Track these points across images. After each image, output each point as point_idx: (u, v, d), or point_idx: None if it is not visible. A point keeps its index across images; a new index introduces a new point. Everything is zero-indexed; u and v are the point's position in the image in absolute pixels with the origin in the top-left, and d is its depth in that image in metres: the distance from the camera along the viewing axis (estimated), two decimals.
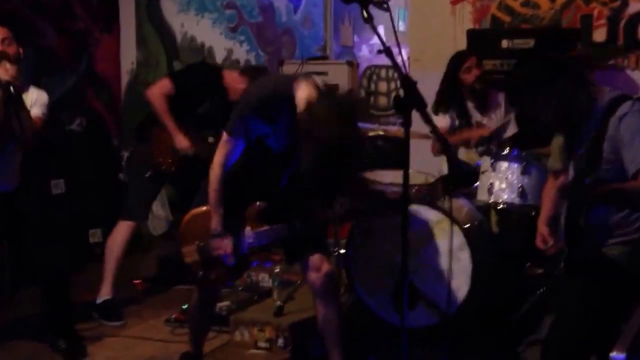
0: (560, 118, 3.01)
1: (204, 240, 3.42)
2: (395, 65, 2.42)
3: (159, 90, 4.54)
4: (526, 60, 3.34)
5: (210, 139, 4.56)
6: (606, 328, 2.86)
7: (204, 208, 3.46)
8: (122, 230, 4.71)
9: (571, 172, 3.07)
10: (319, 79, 3.29)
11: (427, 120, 2.49)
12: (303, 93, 3.12)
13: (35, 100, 4.00)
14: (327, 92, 3.20)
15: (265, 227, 3.39)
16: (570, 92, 2.94)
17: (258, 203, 3.41)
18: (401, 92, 2.38)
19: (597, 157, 2.86)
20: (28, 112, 3.86)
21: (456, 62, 4.74)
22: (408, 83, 2.35)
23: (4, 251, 4.58)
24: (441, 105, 4.74)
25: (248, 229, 3.39)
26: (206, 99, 4.67)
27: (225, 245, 3.35)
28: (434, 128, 2.57)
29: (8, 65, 3.72)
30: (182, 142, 4.57)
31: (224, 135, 3.32)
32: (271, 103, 3.22)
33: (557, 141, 3.25)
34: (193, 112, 4.64)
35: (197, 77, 4.70)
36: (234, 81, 4.68)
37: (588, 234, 2.88)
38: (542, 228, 3.19)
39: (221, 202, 3.34)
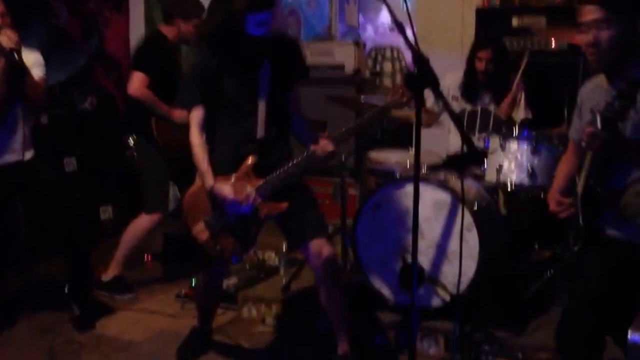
0: None
1: (207, 214, 3.44)
2: (407, 42, 2.42)
3: (138, 85, 4.53)
4: None
5: None
6: (623, 305, 2.85)
7: (196, 185, 3.48)
8: (144, 223, 4.72)
9: None
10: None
11: (441, 97, 2.51)
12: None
13: (33, 62, 4.03)
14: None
15: (263, 180, 3.38)
16: None
17: (249, 159, 3.39)
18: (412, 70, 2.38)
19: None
20: (31, 76, 3.93)
21: (475, 48, 4.73)
22: (420, 60, 2.36)
23: (20, 222, 4.63)
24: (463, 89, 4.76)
25: (247, 187, 3.36)
26: (174, 63, 4.67)
27: (227, 190, 3.32)
28: (446, 104, 2.58)
29: (10, 33, 3.76)
30: (179, 114, 4.56)
31: (186, 112, 3.41)
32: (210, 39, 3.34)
33: (580, 110, 3.13)
34: (174, 82, 4.64)
35: (153, 51, 4.68)
36: (170, 32, 4.68)
37: (605, 201, 2.85)
38: (556, 194, 3.10)
39: (207, 158, 3.34)
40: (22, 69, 3.84)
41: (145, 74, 4.51)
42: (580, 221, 2.90)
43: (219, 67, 3.34)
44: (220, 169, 3.37)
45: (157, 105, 4.55)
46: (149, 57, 4.62)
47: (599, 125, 2.60)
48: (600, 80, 2.97)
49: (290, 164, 3.39)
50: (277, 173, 3.38)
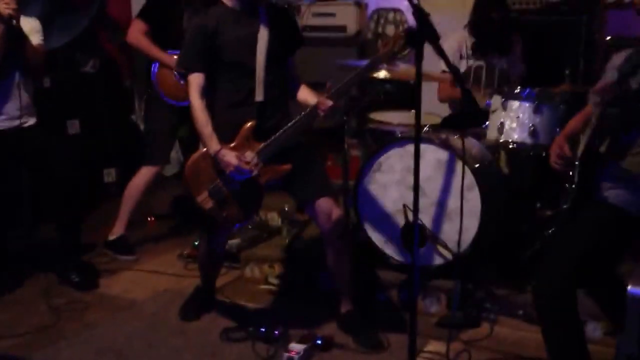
0: None
1: (211, 182, 3.45)
2: None
3: (135, 32, 4.57)
4: None
5: None
6: (602, 260, 2.88)
7: (199, 152, 3.49)
8: (146, 176, 4.76)
9: None
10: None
11: (440, 52, 2.50)
12: None
13: (30, 29, 4.05)
14: None
15: (263, 144, 3.39)
16: None
17: (248, 124, 3.40)
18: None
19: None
20: (30, 42, 3.95)
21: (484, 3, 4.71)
22: (420, 14, 2.36)
23: (24, 186, 4.66)
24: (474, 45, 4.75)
25: (248, 153, 3.37)
26: (179, 15, 4.65)
27: (231, 157, 3.34)
28: (446, 61, 2.58)
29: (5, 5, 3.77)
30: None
31: (188, 77, 3.40)
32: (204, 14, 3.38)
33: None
34: (178, 33, 4.63)
35: (162, 5, 4.67)
36: None
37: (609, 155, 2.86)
38: (561, 140, 3.10)
39: (210, 124, 3.36)
40: (20, 35, 3.86)
41: (145, 22, 4.52)
42: (575, 178, 2.91)
43: (216, 30, 3.35)
44: (220, 134, 3.38)
45: (153, 52, 4.55)
46: (153, 7, 4.62)
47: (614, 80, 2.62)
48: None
49: (289, 125, 3.39)
50: (277, 135, 3.39)
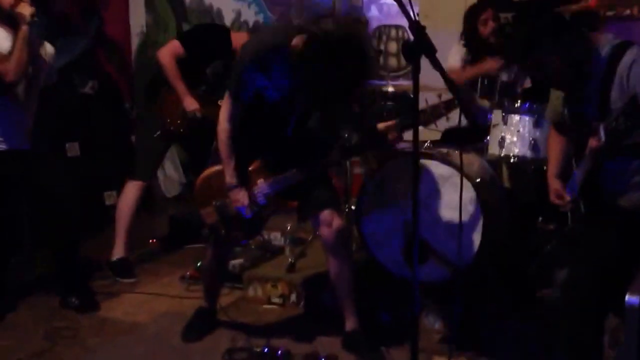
0: (562, 77, 2.96)
1: (220, 199, 3.47)
2: (404, 11, 2.40)
3: (169, 52, 4.55)
4: (525, 15, 3.18)
5: (220, 102, 4.58)
6: (622, 273, 2.85)
7: (215, 168, 3.51)
8: (131, 191, 4.78)
9: None
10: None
11: (437, 66, 2.47)
12: (295, 41, 3.11)
13: (46, 53, 4.12)
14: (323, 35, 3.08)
15: (278, 176, 3.44)
16: (571, 47, 2.88)
17: (269, 157, 3.45)
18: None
19: (605, 105, 2.83)
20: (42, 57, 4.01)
21: (472, 14, 4.71)
22: (417, 28, 2.34)
23: (23, 211, 4.64)
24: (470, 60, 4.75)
25: (261, 181, 3.44)
26: (214, 60, 4.66)
27: (242, 197, 3.40)
28: (443, 75, 2.55)
29: (27, 5, 3.83)
30: (190, 103, 4.59)
31: (227, 94, 3.39)
32: (265, 55, 3.24)
33: (555, 92, 3.18)
34: (202, 74, 4.65)
35: (206, 37, 4.70)
36: (237, 39, 4.67)
37: (604, 184, 2.86)
38: (554, 182, 3.15)
39: (232, 156, 3.39)
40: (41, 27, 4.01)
41: (182, 47, 4.51)
42: (582, 210, 2.91)
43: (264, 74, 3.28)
44: (241, 155, 3.42)
45: (175, 80, 4.54)
46: (198, 38, 4.64)
47: (602, 138, 2.63)
48: None
49: (304, 168, 3.43)
50: (291, 173, 3.43)
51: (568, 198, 3.02)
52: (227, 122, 3.39)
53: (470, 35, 4.74)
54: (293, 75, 3.20)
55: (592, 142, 2.73)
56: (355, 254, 4.37)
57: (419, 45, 2.30)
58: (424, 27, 2.32)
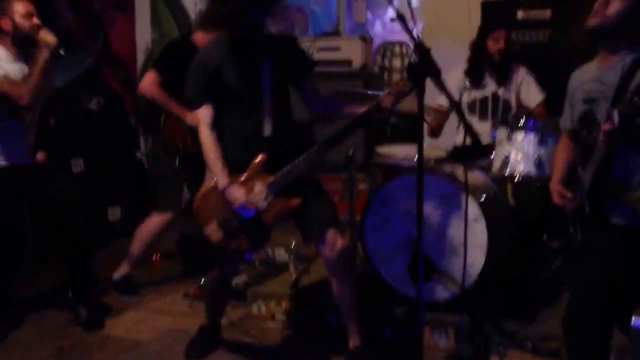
0: None
1: (220, 214, 3.44)
2: (408, 33, 2.42)
3: (148, 84, 4.52)
4: None
5: None
6: (630, 292, 2.83)
7: (209, 185, 3.48)
8: (158, 222, 4.72)
9: None
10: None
11: (441, 87, 2.49)
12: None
13: None
14: None
15: (273, 177, 3.39)
16: None
17: (259, 157, 3.39)
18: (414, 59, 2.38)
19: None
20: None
21: (486, 29, 4.72)
22: (422, 49, 2.35)
23: (26, 227, 4.64)
24: (469, 72, 4.75)
25: (258, 185, 3.39)
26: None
27: (239, 193, 3.35)
28: (448, 95, 2.56)
29: (49, 33, 3.87)
30: (191, 117, 4.57)
31: (195, 112, 3.42)
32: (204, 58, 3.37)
33: (571, 99, 3.16)
34: None
35: (174, 54, 4.66)
36: (204, 40, 4.64)
37: (614, 175, 2.84)
38: (557, 185, 3.12)
39: (220, 158, 3.36)
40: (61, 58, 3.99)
41: (158, 74, 4.50)
42: (587, 209, 2.88)
43: (218, 67, 3.35)
44: (230, 168, 3.38)
45: (168, 104, 4.53)
46: (168, 58, 4.62)
47: (616, 122, 2.60)
48: (590, 67, 3.00)
49: (299, 160, 3.38)
50: (287, 169, 3.38)
51: (569, 195, 2.99)
52: (205, 126, 3.39)
53: (476, 49, 4.74)
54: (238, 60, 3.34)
55: (605, 127, 2.69)
56: (359, 270, 4.37)
57: (423, 67, 2.31)
58: (428, 49, 2.33)
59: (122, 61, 6.20)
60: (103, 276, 4.80)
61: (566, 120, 3.16)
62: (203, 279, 4.52)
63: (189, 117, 4.55)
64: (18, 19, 3.89)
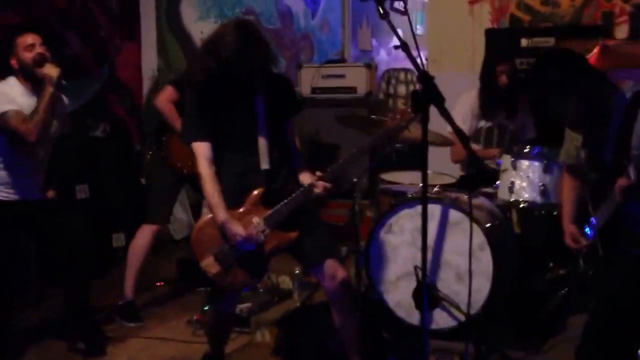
0: (581, 118, 2.97)
1: (216, 247, 3.43)
2: (412, 61, 2.43)
3: (165, 98, 4.61)
4: (545, 61, 3.18)
5: None
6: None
7: (205, 218, 3.48)
8: (146, 234, 4.77)
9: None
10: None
11: (446, 115, 2.48)
12: None
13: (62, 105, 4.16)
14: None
15: (271, 211, 3.38)
16: (592, 93, 2.90)
17: (255, 191, 3.40)
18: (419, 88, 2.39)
19: (624, 150, 2.82)
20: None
21: (490, 64, 4.73)
22: (426, 78, 2.35)
23: (30, 254, 4.64)
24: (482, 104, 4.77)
25: (255, 219, 3.37)
26: None
27: (238, 228, 3.34)
28: (452, 123, 2.56)
29: (53, 66, 3.87)
30: None
31: (193, 146, 3.41)
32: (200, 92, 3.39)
33: (571, 135, 3.20)
34: None
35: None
36: None
37: (622, 229, 2.84)
38: (569, 227, 3.15)
39: (218, 192, 3.36)
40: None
41: (175, 91, 4.56)
42: (600, 252, 2.89)
43: (213, 102, 3.37)
44: (228, 201, 3.38)
45: (176, 123, 4.56)
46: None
47: (632, 177, 2.62)
48: None
49: (295, 194, 3.39)
50: (284, 202, 3.39)
51: (585, 242, 3.01)
52: (204, 160, 3.38)
53: (486, 82, 4.75)
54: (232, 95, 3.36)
55: (621, 182, 2.70)
56: (364, 297, 4.35)
57: (427, 95, 2.31)
58: (432, 77, 2.33)
59: (128, 88, 6.23)
60: (106, 302, 4.79)
61: (568, 155, 3.19)
62: (207, 306, 4.49)
63: None
64: (21, 52, 3.91)
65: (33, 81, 3.93)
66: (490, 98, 4.73)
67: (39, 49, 3.92)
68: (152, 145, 4.84)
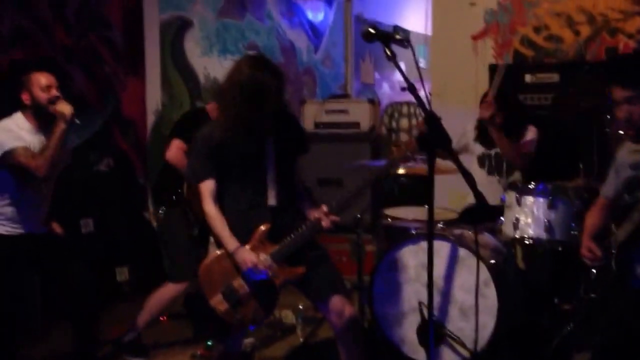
0: None
1: (224, 284, 3.44)
2: (419, 102, 2.44)
3: (176, 151, 4.58)
4: None
5: None
6: None
7: (213, 255, 3.50)
8: (172, 292, 4.65)
9: None
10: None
11: (452, 156, 2.50)
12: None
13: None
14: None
15: (278, 246, 3.41)
16: None
17: (262, 227, 3.42)
18: (424, 129, 2.40)
19: None
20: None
21: (482, 97, 4.77)
22: (432, 120, 2.36)
23: (35, 288, 4.63)
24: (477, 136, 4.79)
25: (262, 254, 3.39)
26: None
27: (248, 255, 3.36)
28: (458, 164, 2.57)
29: (66, 104, 3.93)
30: None
31: (198, 186, 3.44)
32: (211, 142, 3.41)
33: (625, 170, 3.26)
34: None
35: (194, 124, 4.73)
36: (215, 112, 4.70)
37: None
38: (588, 241, 3.23)
39: (225, 225, 3.39)
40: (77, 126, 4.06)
41: (183, 142, 4.56)
42: (613, 265, 2.91)
43: (222, 142, 3.38)
44: (235, 237, 3.41)
45: None
46: (188, 127, 4.68)
47: None
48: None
49: (301, 230, 3.41)
50: (290, 238, 3.41)
51: (599, 254, 3.04)
52: (209, 199, 3.42)
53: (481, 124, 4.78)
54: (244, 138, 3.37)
55: None
56: (368, 334, 4.33)
57: (434, 138, 2.32)
58: (439, 119, 2.34)
59: (132, 123, 6.26)
60: (111, 337, 4.76)
61: (609, 188, 3.27)
62: (211, 341, 4.47)
63: None
64: (37, 91, 3.95)
65: (41, 119, 3.96)
66: (484, 130, 4.75)
67: (54, 92, 3.97)
68: (162, 205, 4.80)
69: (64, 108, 3.91)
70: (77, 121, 3.95)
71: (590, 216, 3.41)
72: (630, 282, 2.94)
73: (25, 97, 3.97)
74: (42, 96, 3.94)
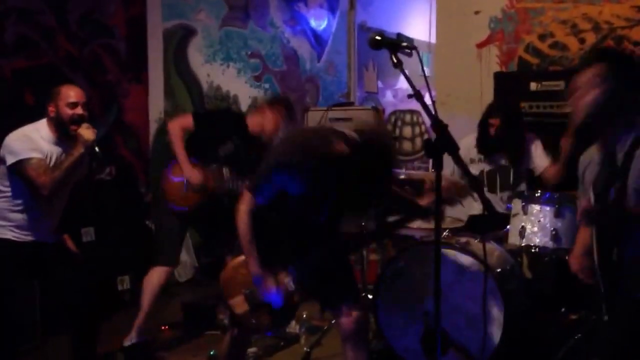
0: None
1: (249, 288, 3.43)
2: (425, 109, 2.42)
3: (178, 123, 4.68)
4: None
5: (225, 171, 4.69)
6: None
7: (241, 258, 3.47)
8: (156, 276, 4.73)
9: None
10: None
11: (459, 162, 2.48)
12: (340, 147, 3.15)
13: None
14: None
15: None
16: None
17: None
18: (432, 136, 2.38)
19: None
20: None
21: (485, 116, 4.74)
22: (439, 126, 2.34)
23: (34, 299, 4.60)
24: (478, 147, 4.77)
25: (283, 274, 3.41)
26: (228, 142, 4.70)
27: (270, 285, 3.37)
28: (465, 170, 2.55)
29: (90, 130, 3.84)
30: (190, 172, 4.58)
31: (246, 192, 3.36)
32: (303, 157, 3.21)
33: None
34: (215, 153, 4.68)
35: (220, 119, 4.76)
36: (259, 123, 4.74)
37: (626, 271, 2.82)
38: (578, 258, 3.19)
39: (253, 247, 3.35)
40: (100, 160, 4.13)
41: (193, 121, 4.57)
42: (601, 289, 2.87)
43: (295, 167, 3.25)
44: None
45: (176, 147, 4.58)
46: (212, 117, 4.71)
47: (592, 200, 2.64)
48: (593, 150, 3.05)
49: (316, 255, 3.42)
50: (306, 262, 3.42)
51: (588, 264, 3.05)
52: (246, 208, 3.33)
53: (481, 129, 4.76)
54: (326, 176, 3.21)
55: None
56: (372, 343, 4.30)
57: (441, 144, 2.30)
58: (446, 126, 2.32)
59: (134, 131, 6.25)
60: (111, 346, 4.73)
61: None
62: (212, 351, 4.44)
63: (187, 169, 4.57)
64: (62, 106, 3.86)
65: (62, 132, 3.90)
66: (485, 144, 4.72)
67: (80, 110, 3.88)
68: (155, 186, 4.84)
69: (87, 133, 3.81)
70: (97, 150, 3.85)
71: (580, 234, 3.32)
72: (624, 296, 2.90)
73: (51, 109, 3.88)
74: (67, 112, 3.85)
